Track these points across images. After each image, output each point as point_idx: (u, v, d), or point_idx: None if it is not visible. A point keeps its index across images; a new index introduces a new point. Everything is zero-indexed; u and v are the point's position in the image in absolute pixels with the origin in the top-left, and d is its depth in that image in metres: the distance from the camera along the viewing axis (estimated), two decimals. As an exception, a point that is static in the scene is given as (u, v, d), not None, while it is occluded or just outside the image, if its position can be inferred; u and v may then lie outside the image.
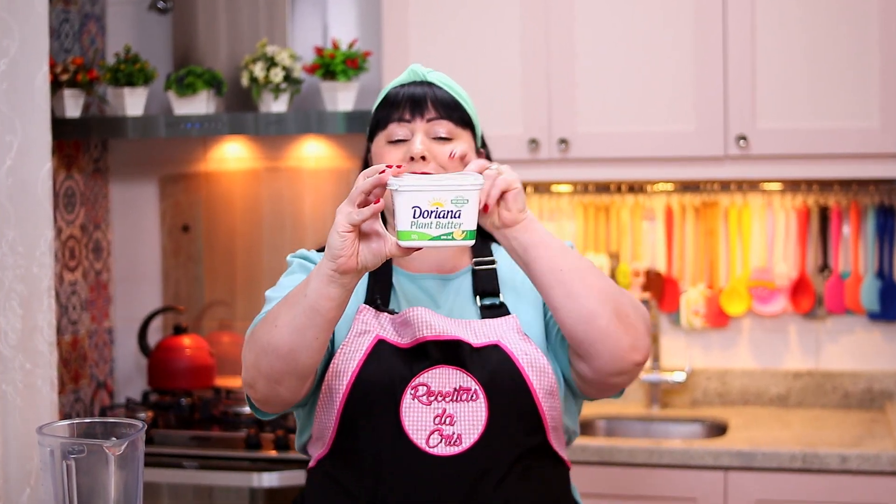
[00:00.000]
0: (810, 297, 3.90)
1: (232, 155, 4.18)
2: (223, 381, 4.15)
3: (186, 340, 4.06)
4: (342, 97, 3.75)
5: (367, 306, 2.16)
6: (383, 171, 1.79)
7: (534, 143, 3.67)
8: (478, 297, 2.19)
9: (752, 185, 3.87)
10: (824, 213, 3.90)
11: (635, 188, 3.96)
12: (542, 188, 3.99)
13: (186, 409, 3.92)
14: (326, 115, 3.72)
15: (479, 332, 2.12)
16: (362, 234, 1.85)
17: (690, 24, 3.55)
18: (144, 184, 4.29)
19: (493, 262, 2.23)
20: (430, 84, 2.19)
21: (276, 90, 3.77)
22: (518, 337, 2.13)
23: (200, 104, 3.82)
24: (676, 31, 3.58)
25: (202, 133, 3.78)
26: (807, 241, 3.90)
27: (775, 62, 3.52)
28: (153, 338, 4.22)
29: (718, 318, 3.95)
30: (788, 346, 3.97)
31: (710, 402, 3.99)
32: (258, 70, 3.75)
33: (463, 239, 1.77)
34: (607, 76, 3.64)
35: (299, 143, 4.12)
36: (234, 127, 3.76)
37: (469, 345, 2.09)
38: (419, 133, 2.15)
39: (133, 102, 3.86)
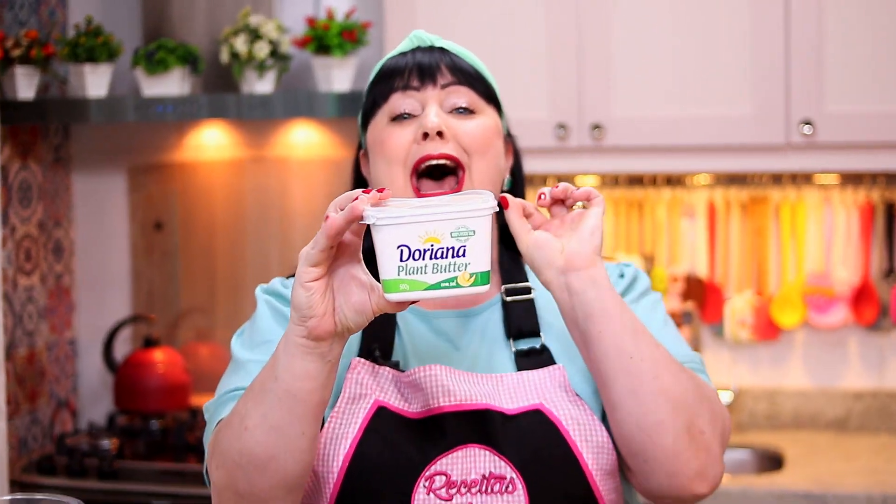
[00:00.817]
0: (874, 307, 3.69)
1: (211, 142, 4.01)
2: (199, 400, 3.93)
3: (158, 354, 3.85)
4: (337, 75, 3.51)
5: (362, 360, 1.75)
6: (357, 199, 1.44)
7: (562, 128, 3.40)
8: (511, 339, 1.80)
9: (806, 178, 3.66)
10: (890, 210, 3.68)
11: (673, 181, 3.75)
12: (565, 179, 3.71)
13: (157, 434, 3.74)
14: (319, 97, 3.50)
15: (514, 390, 1.72)
16: (338, 283, 1.49)
17: None
18: (112, 175, 4.09)
19: (529, 291, 1.84)
20: (441, 50, 1.83)
21: (261, 67, 3.52)
22: (566, 397, 1.72)
23: (173, 84, 3.58)
24: None
25: (176, 117, 3.57)
26: (871, 242, 3.70)
27: (846, 32, 3.29)
28: (122, 350, 4.04)
29: (768, 330, 3.76)
30: (848, 362, 3.77)
31: (758, 426, 3.78)
32: (240, 44, 3.49)
33: (471, 285, 1.44)
34: (648, 51, 3.40)
35: (288, 129, 3.95)
36: (212, 110, 3.53)
37: (501, 413, 1.68)
38: (432, 103, 1.78)
39: (95, 82, 3.61)
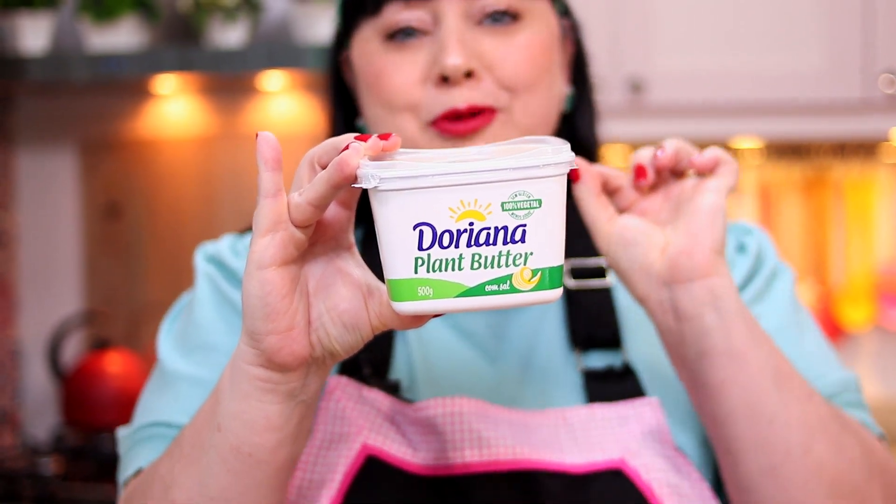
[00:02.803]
0: None
1: (177, 113, 3.81)
2: None
3: (113, 358, 3.61)
4: (322, 23, 3.24)
5: (344, 379, 1.26)
6: (346, 147, 0.96)
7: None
8: (577, 349, 1.30)
9: (873, 152, 3.47)
10: None
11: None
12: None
13: (109, 453, 3.43)
14: (300, 49, 3.27)
15: (582, 435, 1.23)
16: (317, 282, 1.03)
17: None
18: (61, 151, 3.89)
19: (604, 273, 1.33)
20: None
21: (230, 15, 3.27)
22: (661, 451, 1.23)
23: (125, 35, 3.35)
24: None
25: (129, 75, 3.34)
26: None
27: None
28: (72, 354, 3.82)
29: (832, 329, 3.56)
30: None
31: None
32: None
33: (535, 288, 0.98)
34: None
35: (266, 98, 3.76)
36: (171, 64, 3.32)
37: (562, 475, 1.21)
38: (451, 17, 1.25)
39: (33, 32, 3.39)
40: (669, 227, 1.16)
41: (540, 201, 0.97)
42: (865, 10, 3.07)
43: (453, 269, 0.97)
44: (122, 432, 1.28)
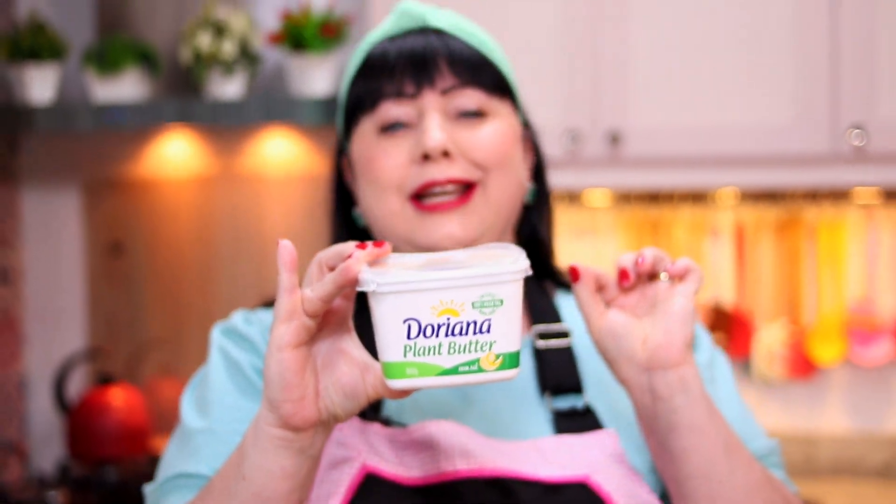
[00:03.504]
0: None
1: (177, 155, 3.85)
2: (162, 444, 3.76)
3: (116, 393, 3.65)
4: (316, 77, 3.34)
5: None
6: (350, 255, 1.21)
7: (575, 135, 3.23)
8: (547, 394, 1.54)
9: (846, 195, 3.52)
10: None
11: (695, 197, 3.61)
12: (573, 196, 3.67)
13: (114, 484, 3.51)
14: (295, 102, 3.34)
15: (551, 457, 1.45)
16: (323, 360, 1.26)
17: None
18: (65, 192, 3.94)
19: (566, 334, 1.58)
20: (437, 33, 1.57)
21: (229, 68, 3.34)
22: (620, 470, 1.46)
23: (129, 87, 3.42)
24: None
25: (132, 125, 3.43)
26: None
27: None
28: (77, 389, 3.86)
29: (803, 366, 3.60)
30: (894, 403, 3.62)
31: (793, 475, 3.59)
32: (204, 42, 3.31)
33: (498, 368, 1.22)
34: (673, 49, 3.25)
35: (261, 140, 3.81)
36: (172, 116, 3.40)
37: (538, 483, 1.42)
38: (433, 113, 1.51)
39: (41, 84, 3.45)
40: (648, 322, 1.37)
41: (502, 300, 1.19)
42: (832, 67, 3.13)
43: (434, 354, 1.19)
44: (148, 488, 1.48)
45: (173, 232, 3.87)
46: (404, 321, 1.20)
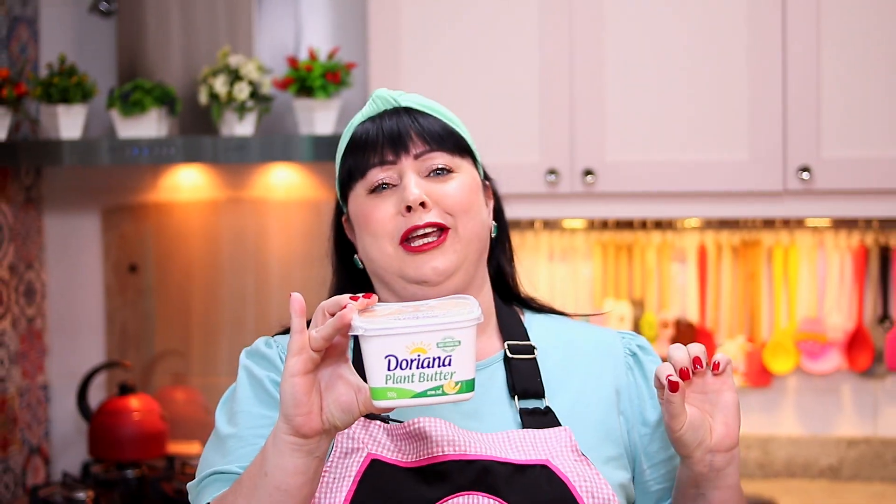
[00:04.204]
0: (868, 353, 3.64)
1: (187, 183, 3.94)
2: (176, 448, 3.87)
3: (134, 401, 3.75)
4: (320, 118, 3.45)
5: None
6: (345, 307, 1.51)
7: (553, 174, 3.32)
8: (515, 397, 1.81)
9: (799, 222, 3.62)
10: (884, 255, 3.62)
11: (663, 224, 3.69)
12: (551, 223, 3.70)
13: (134, 484, 3.64)
14: (298, 140, 3.44)
15: (520, 445, 1.74)
16: (325, 383, 1.55)
17: (743, 35, 3.29)
18: (85, 216, 4.02)
19: (532, 350, 1.86)
20: (406, 110, 1.85)
21: (241, 109, 3.44)
22: (573, 456, 1.74)
23: (150, 126, 3.50)
24: (726, 42, 3.29)
25: (152, 160, 3.49)
26: (864, 287, 3.65)
27: (842, 80, 3.26)
28: (96, 396, 3.95)
29: (760, 376, 3.71)
30: (842, 409, 3.71)
31: (749, 475, 3.70)
32: (219, 85, 3.41)
33: (457, 392, 1.51)
34: (643, 95, 3.34)
35: (265, 170, 3.89)
36: (190, 154, 3.47)
37: (508, 464, 1.70)
38: (410, 173, 1.80)
39: (69, 123, 3.53)
40: (710, 415, 1.66)
41: (459, 341, 1.48)
42: (783, 116, 3.24)
43: (408, 382, 1.48)
44: (190, 484, 1.77)
45: (182, 253, 3.93)
46: (385, 357, 1.48)
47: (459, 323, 1.49)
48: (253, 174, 3.87)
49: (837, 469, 3.65)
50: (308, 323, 1.53)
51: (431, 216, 1.76)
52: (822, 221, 3.58)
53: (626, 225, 3.68)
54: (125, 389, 3.75)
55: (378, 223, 1.77)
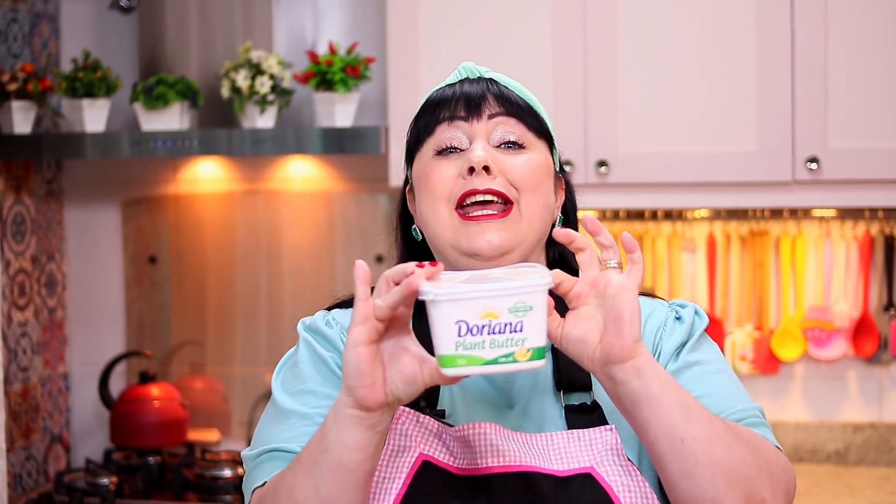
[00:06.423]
0: (874, 340, 3.64)
1: (205, 175, 3.95)
2: (196, 435, 3.89)
3: (154, 390, 3.77)
4: (340, 111, 3.44)
5: (407, 409, 1.67)
6: (412, 273, 1.42)
7: (568, 165, 3.33)
8: (561, 392, 1.70)
9: (806, 212, 3.62)
10: (890, 244, 3.63)
11: (673, 214, 3.70)
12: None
13: (155, 470, 3.66)
14: (321, 132, 3.43)
15: (564, 452, 1.64)
16: (388, 354, 1.46)
17: (752, 30, 3.28)
18: (105, 208, 4.04)
19: None
20: (490, 81, 1.76)
21: (263, 102, 3.45)
22: (618, 461, 1.63)
23: (173, 119, 3.52)
24: (735, 36, 3.29)
25: (174, 153, 3.50)
26: (870, 276, 3.64)
27: (849, 72, 3.27)
28: (116, 384, 3.98)
29: (768, 363, 3.70)
30: (848, 395, 3.70)
31: None
32: (241, 79, 3.43)
33: (529, 360, 1.42)
34: (654, 88, 3.35)
35: (283, 163, 3.89)
36: (211, 146, 3.48)
37: (551, 476, 1.60)
38: (479, 138, 1.71)
39: (93, 116, 3.55)
40: (599, 322, 1.49)
41: (531, 307, 1.40)
42: (791, 108, 3.24)
43: (479, 349, 1.39)
44: (246, 452, 1.69)
45: (199, 244, 3.95)
46: (456, 323, 1.39)
47: (531, 287, 1.41)
48: (270, 167, 3.88)
49: (844, 454, 3.66)
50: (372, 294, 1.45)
51: (493, 183, 1.67)
52: (828, 212, 3.59)
53: (637, 215, 3.70)
54: (146, 378, 3.76)
55: (437, 183, 1.70)
